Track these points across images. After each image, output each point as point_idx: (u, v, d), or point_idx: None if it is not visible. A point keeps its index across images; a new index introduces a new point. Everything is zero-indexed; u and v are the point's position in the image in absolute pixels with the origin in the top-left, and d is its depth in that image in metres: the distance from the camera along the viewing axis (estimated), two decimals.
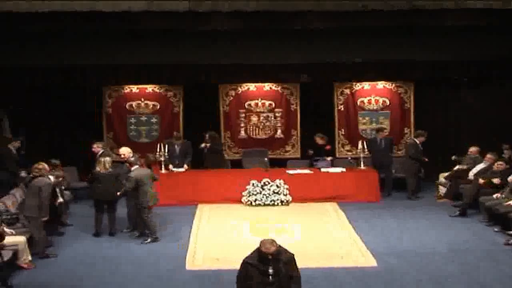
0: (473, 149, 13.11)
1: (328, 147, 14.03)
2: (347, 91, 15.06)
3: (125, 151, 11.29)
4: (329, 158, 13.93)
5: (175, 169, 13.37)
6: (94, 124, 14.69)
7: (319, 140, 13.91)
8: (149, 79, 14.47)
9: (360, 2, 10.78)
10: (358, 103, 15.05)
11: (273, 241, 6.39)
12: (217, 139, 14.13)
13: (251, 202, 12.69)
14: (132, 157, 10.99)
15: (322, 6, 10.95)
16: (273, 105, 15.10)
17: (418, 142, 13.42)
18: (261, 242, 6.42)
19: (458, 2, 10.82)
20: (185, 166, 13.55)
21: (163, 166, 13.26)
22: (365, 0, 10.83)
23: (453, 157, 13.24)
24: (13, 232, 9.33)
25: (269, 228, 11.11)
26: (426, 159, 13.38)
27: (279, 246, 6.48)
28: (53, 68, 13.45)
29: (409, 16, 11.39)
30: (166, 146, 13.29)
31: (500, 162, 11.85)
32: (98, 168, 10.90)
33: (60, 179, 10.91)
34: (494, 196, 11.22)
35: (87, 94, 14.63)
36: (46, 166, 10.07)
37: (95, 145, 12.18)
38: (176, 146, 13.69)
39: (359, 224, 11.19)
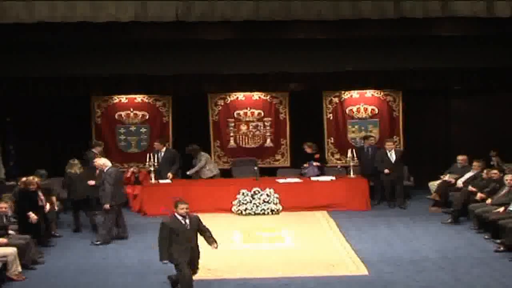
0: (462, 158, 13.14)
1: (317, 155, 14.03)
2: (336, 99, 15.08)
3: (101, 162, 11.19)
4: (315, 163, 13.89)
5: (161, 181, 13.28)
6: (83, 135, 14.61)
7: (307, 149, 13.95)
8: (138, 89, 14.45)
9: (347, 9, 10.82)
10: (347, 111, 15.08)
11: None
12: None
13: (242, 212, 12.65)
14: (109, 168, 10.94)
15: (310, 16, 10.98)
16: (262, 114, 15.10)
17: (385, 149, 13.47)
18: None
19: (444, 9, 10.87)
20: (169, 174, 13.46)
21: (152, 176, 13.22)
22: (352, 9, 10.87)
23: (447, 176, 13.01)
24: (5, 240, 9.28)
25: (260, 237, 11.07)
26: (385, 171, 13.20)
27: None
28: (41, 79, 13.41)
29: (397, 25, 11.44)
30: (156, 155, 13.29)
31: (494, 171, 11.84)
32: (70, 170, 11.64)
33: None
34: (487, 201, 11.25)
35: (76, 104, 14.56)
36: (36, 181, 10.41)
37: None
38: (159, 154, 13.67)
39: (350, 232, 11.18)
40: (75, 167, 11.76)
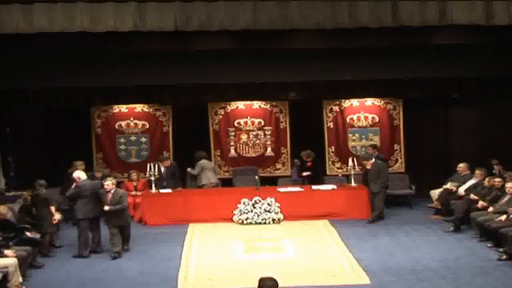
0: (461, 166, 13.11)
1: (309, 163, 14.03)
2: (336, 108, 15.10)
3: (79, 174, 11.01)
4: (305, 173, 13.91)
5: (161, 190, 13.32)
6: (83, 145, 14.63)
7: (304, 157, 13.99)
8: (138, 99, 14.48)
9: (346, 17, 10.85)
10: (348, 120, 15.10)
11: None
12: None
13: (243, 221, 12.63)
14: (83, 181, 10.83)
15: (309, 25, 11.01)
16: (263, 123, 15.12)
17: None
18: None
19: (442, 18, 10.89)
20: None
21: (153, 186, 13.23)
22: (350, 18, 10.90)
23: (449, 184, 13.01)
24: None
25: (262, 246, 11.05)
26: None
27: None
28: (40, 90, 13.43)
29: (395, 34, 11.48)
30: (156, 166, 13.30)
31: (498, 179, 11.82)
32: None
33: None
34: (489, 210, 11.22)
35: (76, 114, 14.58)
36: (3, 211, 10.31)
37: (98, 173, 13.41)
38: (162, 168, 13.76)
39: (351, 241, 11.16)
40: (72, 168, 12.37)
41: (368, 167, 13.03)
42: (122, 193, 10.91)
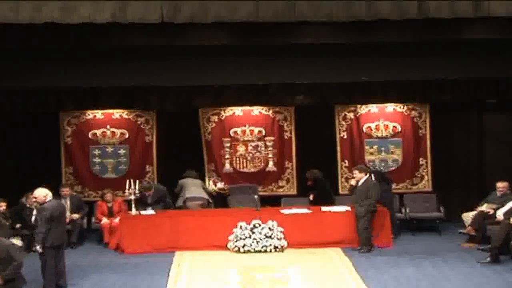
0: (503, 185, 13.07)
1: (309, 182, 14.04)
2: (351, 115, 15.15)
3: (40, 193, 10.59)
4: (311, 197, 14.12)
5: (143, 212, 13.35)
6: (50, 157, 14.63)
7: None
8: (117, 103, 14.47)
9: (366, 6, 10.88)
10: (364, 129, 15.16)
11: None
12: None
13: (239, 248, 12.59)
14: (49, 201, 10.53)
15: (319, 17, 11.04)
16: (263, 132, 15.18)
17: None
18: None
19: (476, 9, 10.93)
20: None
21: (133, 206, 13.19)
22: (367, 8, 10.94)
23: (484, 206, 12.96)
24: None
25: (262, 279, 10.99)
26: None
27: None
28: (4, 90, 13.41)
29: (421, 27, 11.53)
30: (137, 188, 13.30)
31: None
32: None
33: None
34: None
35: (45, 120, 14.63)
36: None
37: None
38: (147, 196, 13.81)
39: (368, 273, 11.09)
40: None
41: (353, 182, 13.04)
42: (7, 244, 9.26)
